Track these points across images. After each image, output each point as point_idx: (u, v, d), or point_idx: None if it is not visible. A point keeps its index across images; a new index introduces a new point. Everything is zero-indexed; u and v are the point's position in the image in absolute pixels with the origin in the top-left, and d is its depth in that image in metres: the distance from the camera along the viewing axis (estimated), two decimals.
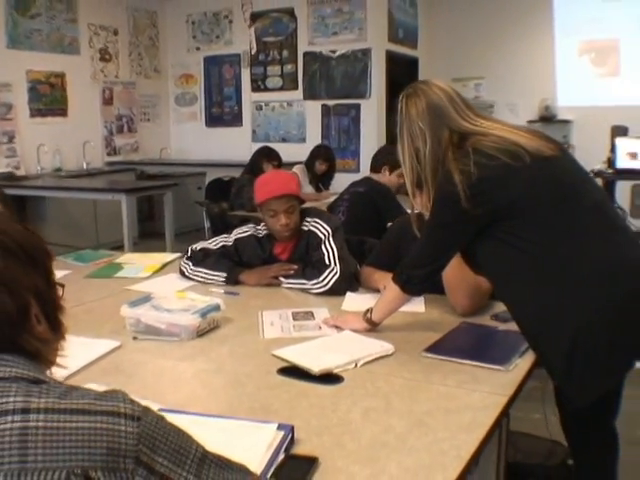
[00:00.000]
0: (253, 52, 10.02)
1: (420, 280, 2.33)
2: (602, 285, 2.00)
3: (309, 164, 7.32)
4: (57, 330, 1.15)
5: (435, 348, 2.30)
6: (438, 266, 2.32)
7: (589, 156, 6.41)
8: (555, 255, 2.05)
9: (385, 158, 5.00)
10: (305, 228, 3.21)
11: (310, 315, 2.72)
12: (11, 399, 0.97)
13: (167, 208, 7.21)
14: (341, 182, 6.52)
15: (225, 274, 3.16)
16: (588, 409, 2.20)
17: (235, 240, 3.28)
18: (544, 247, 2.06)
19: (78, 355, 2.21)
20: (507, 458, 2.26)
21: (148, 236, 9.00)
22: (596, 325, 1.98)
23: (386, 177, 4.94)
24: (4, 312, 1.04)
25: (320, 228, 3.17)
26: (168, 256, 3.84)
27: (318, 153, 7.45)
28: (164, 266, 3.61)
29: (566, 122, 9.81)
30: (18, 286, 1.06)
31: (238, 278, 3.16)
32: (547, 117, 9.87)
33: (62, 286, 1.18)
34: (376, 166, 5.05)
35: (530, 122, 9.94)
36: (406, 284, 2.36)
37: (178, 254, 3.77)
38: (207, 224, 7.40)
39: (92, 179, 8.68)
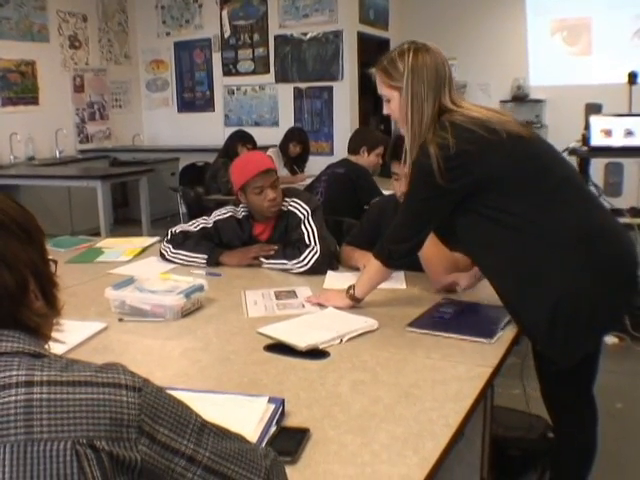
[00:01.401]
0: (227, 35, 9.95)
1: (402, 255, 2.38)
2: (580, 252, 2.10)
3: (283, 147, 7.31)
4: (53, 305, 1.16)
5: (418, 323, 2.33)
6: (419, 240, 2.36)
7: (562, 135, 6.46)
8: (533, 225, 2.13)
9: (363, 139, 5.06)
10: (284, 208, 3.22)
11: (293, 294, 2.74)
12: (14, 372, 0.98)
13: (142, 194, 7.19)
14: (316, 165, 6.54)
15: (206, 256, 3.17)
16: (568, 375, 2.28)
17: (215, 222, 3.29)
18: (522, 218, 2.14)
19: (66, 337, 2.21)
20: None
21: (123, 223, 8.96)
22: (577, 290, 2.08)
23: (365, 158, 4.98)
24: (4, 287, 1.04)
25: (299, 208, 3.19)
26: (148, 240, 3.84)
27: (292, 136, 7.44)
28: (144, 250, 3.61)
29: (539, 102, 9.88)
30: (16, 262, 1.07)
31: (219, 259, 3.17)
32: (519, 97, 9.94)
33: (55, 262, 1.19)
34: (354, 148, 5.08)
35: (503, 102, 10.01)
36: (388, 259, 2.40)
37: (157, 238, 3.77)
38: (183, 209, 7.36)
39: (65, 167, 8.63)
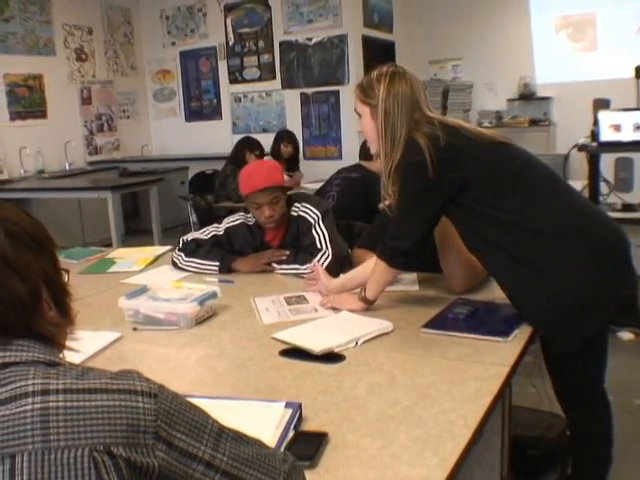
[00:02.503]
0: (231, 43, 9.97)
1: (403, 253, 2.40)
2: (572, 239, 2.20)
3: (274, 150, 7.30)
4: (67, 315, 1.16)
5: (433, 323, 2.32)
6: (418, 237, 2.38)
7: (570, 132, 6.44)
8: (524, 218, 2.22)
9: None
10: (294, 214, 3.22)
11: (303, 299, 2.73)
12: (30, 382, 0.98)
13: (153, 203, 7.19)
14: (325, 169, 6.51)
15: (218, 263, 3.17)
16: (577, 367, 2.32)
17: (226, 229, 3.29)
18: (512, 213, 2.23)
19: (80, 347, 2.22)
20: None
21: (134, 233, 8.99)
22: (573, 276, 2.17)
23: (377, 164, 4.94)
24: (17, 297, 1.05)
25: (309, 212, 3.19)
26: (159, 249, 3.85)
27: (281, 136, 7.48)
28: (156, 259, 3.62)
29: (546, 99, 9.85)
30: (29, 271, 1.07)
31: (231, 266, 3.17)
32: (526, 95, 9.92)
33: (67, 272, 1.19)
34: (367, 154, 5.06)
35: (510, 100, 10.00)
36: (391, 258, 2.42)
37: (169, 247, 3.77)
38: (193, 218, 7.37)
39: (75, 179, 8.65)
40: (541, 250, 2.20)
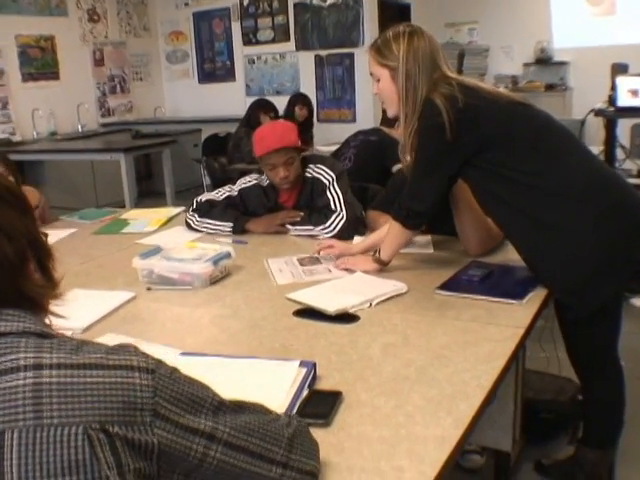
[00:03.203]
0: (246, 3, 9.86)
1: (419, 214, 2.39)
2: (589, 200, 2.17)
3: (288, 113, 7.22)
4: (50, 277, 1.11)
5: (447, 285, 2.31)
6: (434, 199, 2.36)
7: (587, 97, 6.37)
8: (541, 179, 2.20)
9: None
10: (309, 175, 3.20)
11: (316, 260, 2.72)
12: (22, 355, 0.95)
13: (166, 165, 7.18)
14: (340, 132, 6.47)
15: (232, 223, 3.16)
16: (590, 332, 2.32)
17: (240, 190, 3.27)
18: (530, 174, 2.21)
19: (95, 307, 2.24)
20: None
21: (147, 195, 8.97)
22: (588, 238, 2.15)
23: (399, 131, 4.90)
24: (4, 257, 1.00)
25: (324, 174, 3.17)
26: (173, 210, 3.85)
27: (295, 99, 7.38)
28: (170, 220, 3.62)
29: (563, 64, 9.73)
30: (15, 232, 1.03)
31: (245, 227, 3.16)
32: (543, 59, 9.80)
33: (46, 235, 1.15)
34: (390, 120, 5.00)
35: (526, 65, 9.89)
36: (407, 219, 2.41)
37: (182, 208, 3.77)
38: (207, 180, 7.36)
39: (88, 141, 8.63)
40: (558, 211, 2.17)
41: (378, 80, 2.40)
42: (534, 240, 2.23)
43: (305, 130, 7.21)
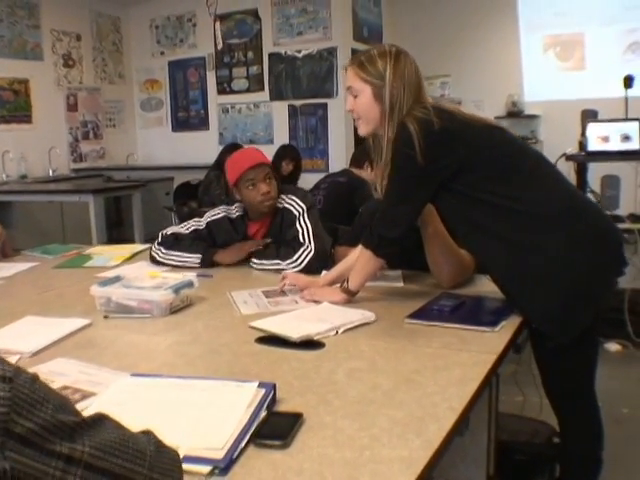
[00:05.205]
0: (219, 47, 9.87)
1: (391, 242, 2.32)
2: (566, 225, 2.12)
3: (274, 165, 7.13)
4: None
5: (418, 315, 2.23)
6: (407, 224, 2.30)
7: (557, 149, 6.35)
8: (518, 203, 2.15)
9: (368, 154, 4.96)
10: (280, 205, 3.13)
11: (282, 292, 2.62)
12: None
13: (136, 210, 7.08)
14: (311, 181, 6.40)
15: (200, 255, 3.06)
16: (568, 367, 2.24)
17: (207, 223, 3.18)
18: (510, 198, 2.15)
19: (47, 333, 2.13)
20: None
21: (117, 242, 8.83)
22: (568, 260, 2.09)
23: (367, 172, 4.89)
24: None
25: (295, 205, 3.10)
26: (138, 246, 3.77)
27: (284, 153, 7.14)
28: (134, 255, 3.51)
29: (533, 117, 9.81)
30: None
31: (213, 259, 3.06)
32: (514, 112, 9.87)
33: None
34: (358, 161, 4.98)
35: (497, 118, 9.94)
36: (378, 247, 2.34)
37: (148, 245, 3.66)
38: None
39: (58, 184, 8.51)
40: (534, 234, 2.12)
41: (355, 96, 2.34)
42: (510, 264, 2.16)
43: (289, 183, 7.14)
